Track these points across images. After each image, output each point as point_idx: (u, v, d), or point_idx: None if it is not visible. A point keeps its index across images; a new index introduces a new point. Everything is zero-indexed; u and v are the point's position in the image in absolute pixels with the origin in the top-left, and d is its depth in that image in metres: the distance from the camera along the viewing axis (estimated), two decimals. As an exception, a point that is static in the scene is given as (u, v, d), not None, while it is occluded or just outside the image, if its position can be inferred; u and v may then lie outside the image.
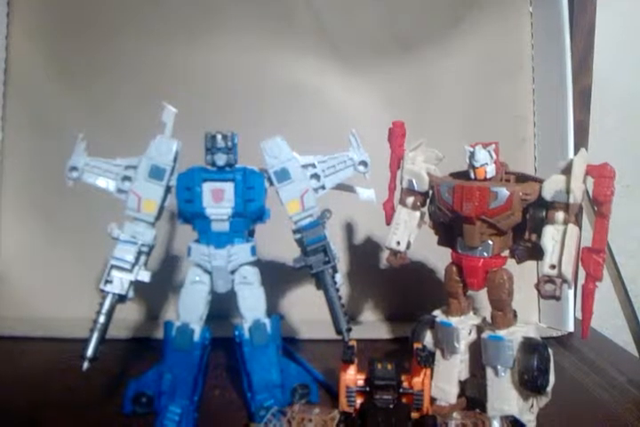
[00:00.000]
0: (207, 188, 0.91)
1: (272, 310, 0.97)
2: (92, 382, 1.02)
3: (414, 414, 0.89)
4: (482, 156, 0.88)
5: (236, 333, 0.94)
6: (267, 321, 0.94)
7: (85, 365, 0.87)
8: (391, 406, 0.87)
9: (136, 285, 0.93)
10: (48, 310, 1.44)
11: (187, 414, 0.90)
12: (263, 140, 0.93)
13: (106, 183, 0.94)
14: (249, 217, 0.94)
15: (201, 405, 0.96)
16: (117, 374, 1.08)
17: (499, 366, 0.88)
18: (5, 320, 1.38)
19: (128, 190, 0.92)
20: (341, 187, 0.97)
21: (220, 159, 0.90)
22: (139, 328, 1.37)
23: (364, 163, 0.94)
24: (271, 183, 0.93)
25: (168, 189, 0.93)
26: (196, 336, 0.93)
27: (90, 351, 0.87)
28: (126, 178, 0.93)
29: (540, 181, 0.86)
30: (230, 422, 0.93)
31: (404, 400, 0.90)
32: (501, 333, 0.89)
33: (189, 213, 0.92)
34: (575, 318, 1.35)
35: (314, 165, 0.94)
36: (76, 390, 1.01)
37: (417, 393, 0.90)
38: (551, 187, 0.84)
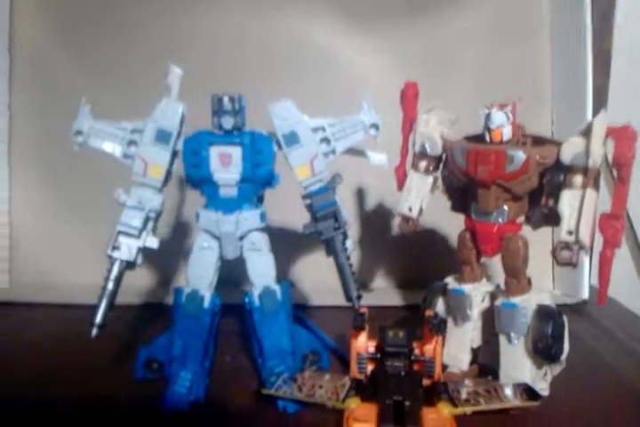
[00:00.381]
0: (214, 152, 0.89)
1: (282, 276, 0.96)
2: (104, 348, 1.03)
3: (426, 381, 0.89)
4: (498, 117, 0.84)
5: (246, 300, 0.93)
6: (277, 288, 0.93)
7: (94, 331, 0.87)
8: (402, 373, 0.86)
9: (145, 251, 0.92)
10: (61, 277, 1.45)
11: (197, 380, 0.90)
12: (272, 103, 0.90)
13: (112, 148, 0.92)
14: (257, 182, 0.92)
15: (212, 371, 0.96)
16: (129, 340, 1.09)
17: (512, 334, 0.87)
18: (18, 287, 1.39)
19: (134, 155, 0.90)
20: (352, 151, 0.94)
21: (227, 122, 0.88)
22: (150, 294, 1.38)
23: (375, 126, 0.90)
24: (280, 147, 0.91)
25: (175, 154, 0.91)
26: (206, 303, 0.92)
27: (99, 318, 0.87)
28: (132, 142, 0.91)
29: (558, 144, 0.83)
30: (241, 388, 0.92)
31: (415, 367, 0.90)
32: (515, 300, 0.88)
33: (197, 178, 0.90)
34: (590, 285, 1.33)
35: (324, 129, 0.91)
36: (88, 355, 1.02)
37: (428, 360, 0.90)
38: (570, 150, 0.81)
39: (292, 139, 0.90)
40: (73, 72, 1.42)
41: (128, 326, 1.16)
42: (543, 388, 0.87)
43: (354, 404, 0.80)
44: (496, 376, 0.89)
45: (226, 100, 0.88)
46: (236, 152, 0.89)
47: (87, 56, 1.42)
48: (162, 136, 0.89)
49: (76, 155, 0.95)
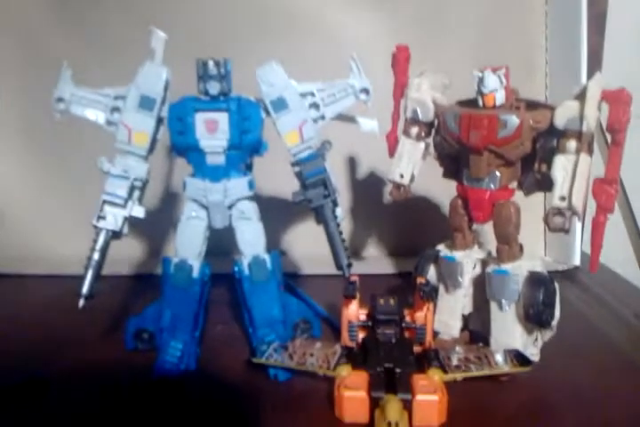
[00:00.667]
0: (200, 118, 0.86)
1: (272, 245, 0.95)
2: (93, 318, 1.02)
3: (417, 349, 0.89)
4: (491, 81, 0.82)
5: (236, 269, 0.92)
6: (266, 257, 0.92)
7: (81, 302, 0.86)
8: (393, 340, 0.86)
9: (132, 221, 0.90)
10: (48, 248, 1.43)
11: (188, 350, 0.90)
12: (258, 67, 0.88)
13: (95, 115, 0.90)
14: (245, 149, 0.89)
15: (203, 340, 0.96)
16: (119, 311, 1.08)
17: (503, 301, 0.87)
18: (3, 259, 1.37)
19: (118, 122, 0.88)
20: (342, 117, 0.92)
21: (213, 88, 0.85)
22: (140, 265, 1.37)
23: (365, 90, 0.88)
24: (268, 113, 0.88)
25: (160, 121, 0.89)
26: (195, 272, 0.91)
27: (85, 289, 0.86)
28: (116, 109, 0.89)
29: (552, 108, 0.81)
30: (232, 358, 0.92)
31: (406, 335, 0.90)
32: (507, 267, 0.87)
33: (182, 145, 0.88)
34: (582, 251, 1.33)
35: (312, 94, 0.88)
36: (78, 327, 1.01)
37: (419, 328, 0.90)
38: (564, 114, 0.79)
39: (280, 104, 0.88)
40: (55, 38, 1.38)
41: (118, 298, 1.16)
42: (534, 353, 0.88)
43: (345, 372, 0.80)
44: (487, 343, 0.89)
45: (211, 64, 0.85)
46: (222, 118, 0.86)
47: (70, 21, 1.37)
48: (145, 102, 0.87)
49: (60, 124, 0.93)
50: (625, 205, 1.23)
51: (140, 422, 0.77)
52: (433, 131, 0.94)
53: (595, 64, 1.33)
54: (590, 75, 1.20)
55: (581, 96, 0.78)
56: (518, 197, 0.89)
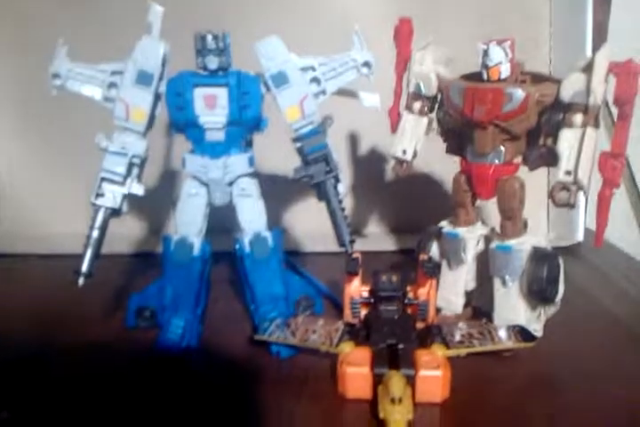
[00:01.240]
0: (199, 94, 0.85)
1: (273, 223, 0.94)
2: (95, 297, 1.02)
3: (419, 325, 0.89)
4: (496, 54, 0.80)
5: (237, 246, 0.92)
6: (267, 234, 0.91)
7: (81, 280, 0.85)
8: (396, 316, 0.86)
9: (132, 199, 0.90)
10: (48, 227, 1.43)
11: (190, 327, 0.90)
12: (258, 41, 0.86)
13: (91, 91, 0.88)
14: (245, 125, 0.88)
15: (205, 318, 0.96)
16: (121, 289, 1.08)
17: (507, 277, 0.86)
18: (5, 238, 1.37)
19: (115, 98, 0.86)
20: (344, 92, 0.91)
21: (212, 62, 0.83)
22: (141, 243, 1.37)
23: (367, 64, 0.86)
24: (268, 88, 0.87)
25: (158, 97, 0.87)
26: (196, 250, 0.91)
27: (85, 267, 0.85)
28: (113, 85, 0.87)
29: (558, 82, 0.80)
30: (234, 334, 0.92)
31: (409, 311, 0.89)
32: (510, 243, 0.86)
33: (181, 121, 0.87)
34: (585, 227, 1.32)
35: (313, 68, 0.87)
36: (80, 305, 1.01)
37: (422, 304, 0.90)
38: (570, 87, 0.78)
39: (281, 79, 0.86)
40: (50, 13, 1.35)
41: (119, 276, 1.16)
42: (537, 329, 0.87)
43: (347, 348, 0.80)
44: (490, 319, 0.89)
45: (209, 38, 0.83)
46: (221, 94, 0.85)
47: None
48: (143, 77, 0.85)
49: (56, 101, 0.91)
50: (629, 179, 1.22)
51: (142, 399, 0.77)
52: (436, 105, 0.92)
53: (600, 38, 1.30)
54: (595, 48, 1.17)
55: (588, 68, 0.77)
56: (520, 172, 0.88)
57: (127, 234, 1.36)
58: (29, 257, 1.31)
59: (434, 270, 0.88)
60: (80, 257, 0.86)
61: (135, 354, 0.87)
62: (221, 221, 0.93)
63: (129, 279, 1.14)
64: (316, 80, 0.87)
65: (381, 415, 0.68)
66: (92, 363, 0.85)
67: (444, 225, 0.95)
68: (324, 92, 0.88)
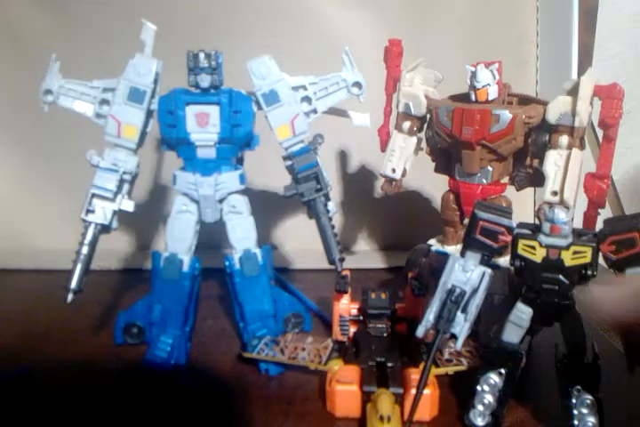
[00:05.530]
0: (191, 111, 0.85)
1: (263, 240, 0.94)
2: (83, 313, 1.02)
3: (408, 343, 0.89)
4: (484, 76, 0.82)
5: (227, 263, 0.91)
6: (257, 251, 0.91)
7: (70, 297, 0.84)
8: (385, 334, 0.86)
9: (122, 215, 0.90)
10: (34, 242, 1.42)
11: (178, 344, 0.89)
12: (250, 59, 0.87)
13: (83, 108, 0.89)
14: (236, 143, 0.89)
15: (194, 335, 0.95)
16: (109, 306, 1.07)
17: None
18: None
19: (107, 115, 0.87)
20: (334, 111, 0.91)
21: (204, 80, 0.84)
22: (130, 259, 1.36)
23: (358, 84, 0.87)
24: (259, 107, 0.88)
25: (150, 114, 0.88)
26: (185, 266, 0.91)
27: (74, 283, 0.85)
28: (104, 101, 0.88)
29: (545, 104, 0.82)
30: (223, 352, 0.92)
31: (397, 329, 0.89)
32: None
33: (173, 138, 0.87)
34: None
35: (305, 87, 0.88)
36: (67, 321, 1.00)
37: (411, 322, 0.89)
38: (556, 109, 0.79)
39: (272, 98, 0.87)
40: (43, 29, 1.36)
41: (107, 292, 1.15)
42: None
43: (336, 366, 0.80)
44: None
45: (202, 56, 0.84)
46: (213, 112, 0.86)
47: (58, 13, 1.35)
48: (135, 95, 0.86)
49: (47, 117, 0.91)
50: (614, 199, 1.24)
51: (130, 417, 0.76)
52: (425, 125, 0.94)
53: (585, 60, 1.33)
54: (581, 70, 1.20)
55: (574, 91, 0.78)
56: (508, 191, 0.89)
57: (116, 250, 1.36)
58: (16, 273, 1.30)
59: (421, 290, 0.88)
60: (69, 273, 0.86)
61: (123, 371, 0.86)
62: (211, 237, 0.93)
63: (118, 295, 1.13)
64: (307, 99, 0.88)
65: (370, 434, 0.68)
66: (79, 380, 0.84)
67: (433, 243, 0.96)
68: (314, 111, 0.89)
